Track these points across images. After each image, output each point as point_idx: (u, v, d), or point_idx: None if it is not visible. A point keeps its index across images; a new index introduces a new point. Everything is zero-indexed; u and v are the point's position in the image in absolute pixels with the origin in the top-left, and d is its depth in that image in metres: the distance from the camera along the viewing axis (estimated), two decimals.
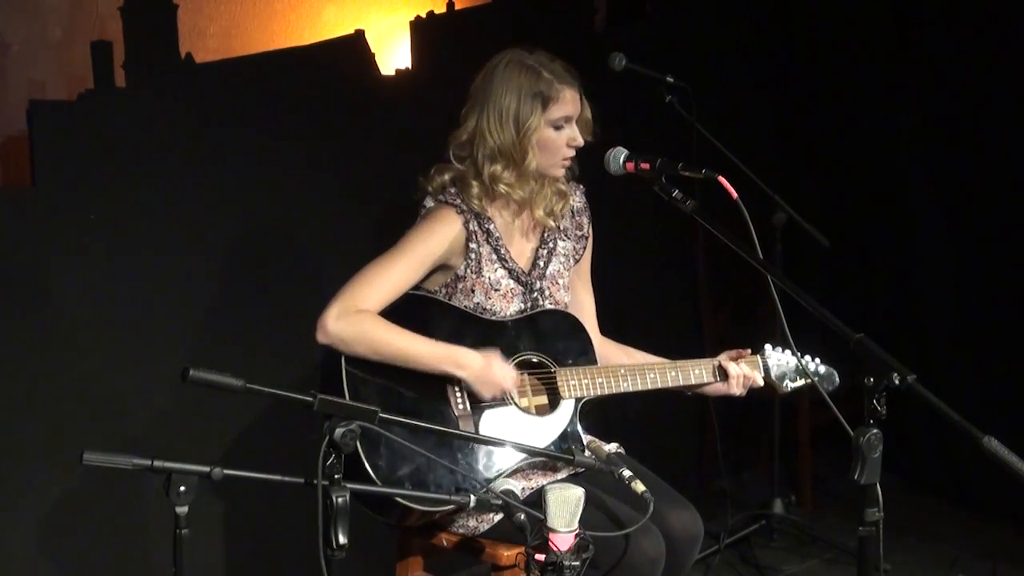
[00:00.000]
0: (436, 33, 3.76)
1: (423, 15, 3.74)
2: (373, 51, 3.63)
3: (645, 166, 2.53)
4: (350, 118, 3.58)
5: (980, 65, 4.33)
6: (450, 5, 3.81)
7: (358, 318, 2.42)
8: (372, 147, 3.63)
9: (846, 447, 2.01)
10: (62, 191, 3.05)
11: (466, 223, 2.58)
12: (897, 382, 1.98)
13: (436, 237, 2.56)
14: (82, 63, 3.10)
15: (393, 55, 3.71)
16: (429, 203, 2.64)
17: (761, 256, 2.36)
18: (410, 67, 3.72)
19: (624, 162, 2.57)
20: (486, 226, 2.61)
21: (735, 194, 2.39)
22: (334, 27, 3.56)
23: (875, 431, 1.99)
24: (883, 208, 4.74)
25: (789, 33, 5.01)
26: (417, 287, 2.57)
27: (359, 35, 3.59)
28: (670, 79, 3.44)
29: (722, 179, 2.43)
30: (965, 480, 4.38)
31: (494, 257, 2.61)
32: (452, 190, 2.62)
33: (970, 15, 4.35)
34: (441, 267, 2.59)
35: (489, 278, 2.60)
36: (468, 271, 2.59)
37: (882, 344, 2.03)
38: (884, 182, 4.72)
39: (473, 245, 2.58)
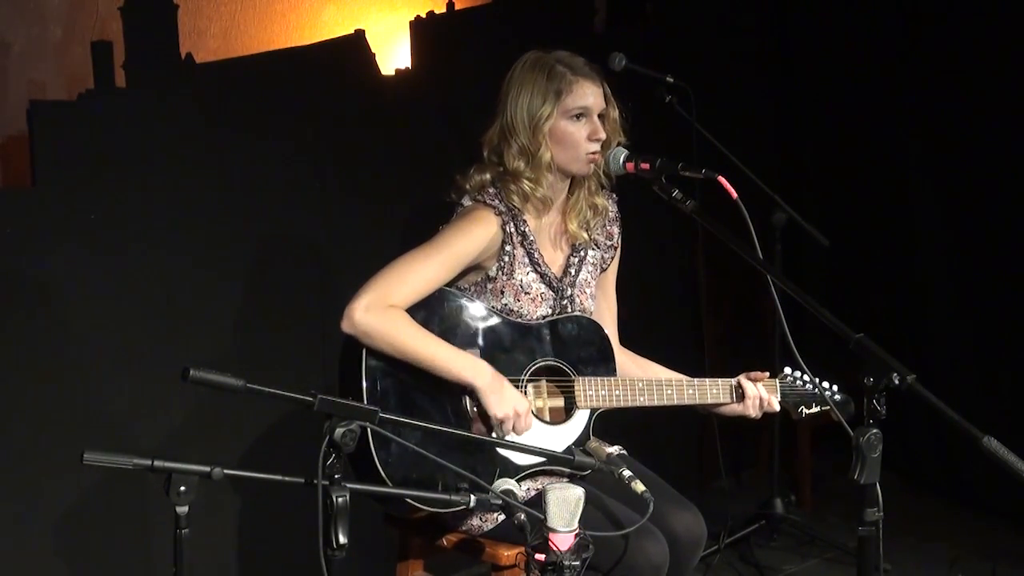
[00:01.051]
0: (436, 33, 3.76)
1: (423, 15, 3.74)
2: (373, 51, 3.62)
3: (645, 166, 2.53)
4: (350, 118, 3.58)
5: (981, 64, 4.33)
6: (450, 5, 3.81)
7: (386, 314, 2.39)
8: (372, 147, 3.63)
9: (846, 447, 2.01)
10: (62, 191, 3.05)
11: (503, 225, 2.57)
12: (897, 382, 1.98)
13: (472, 238, 2.53)
14: (82, 63, 3.10)
15: (393, 55, 3.71)
16: (467, 202, 2.62)
17: (761, 256, 2.36)
18: (410, 67, 3.72)
19: (624, 162, 2.57)
20: (522, 228, 2.59)
21: (735, 194, 2.40)
22: (334, 27, 3.56)
23: (875, 431, 1.99)
24: (883, 208, 4.74)
25: (789, 33, 5.02)
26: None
27: (359, 35, 3.59)
28: (670, 79, 3.45)
29: (722, 179, 2.43)
30: (965, 480, 4.38)
31: (526, 260, 2.60)
32: (491, 190, 2.60)
33: (971, 13, 4.35)
34: (474, 267, 2.58)
35: (520, 281, 2.59)
36: (500, 273, 2.58)
37: (882, 344, 2.03)
38: (884, 182, 4.72)
39: (508, 247, 2.57)
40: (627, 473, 2.38)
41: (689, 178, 2.50)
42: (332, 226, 3.56)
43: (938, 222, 4.58)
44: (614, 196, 2.77)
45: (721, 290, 4.53)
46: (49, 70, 3.07)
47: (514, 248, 2.58)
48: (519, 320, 2.59)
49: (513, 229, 2.58)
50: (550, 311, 2.63)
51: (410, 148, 3.68)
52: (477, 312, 2.55)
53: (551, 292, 2.63)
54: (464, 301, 2.55)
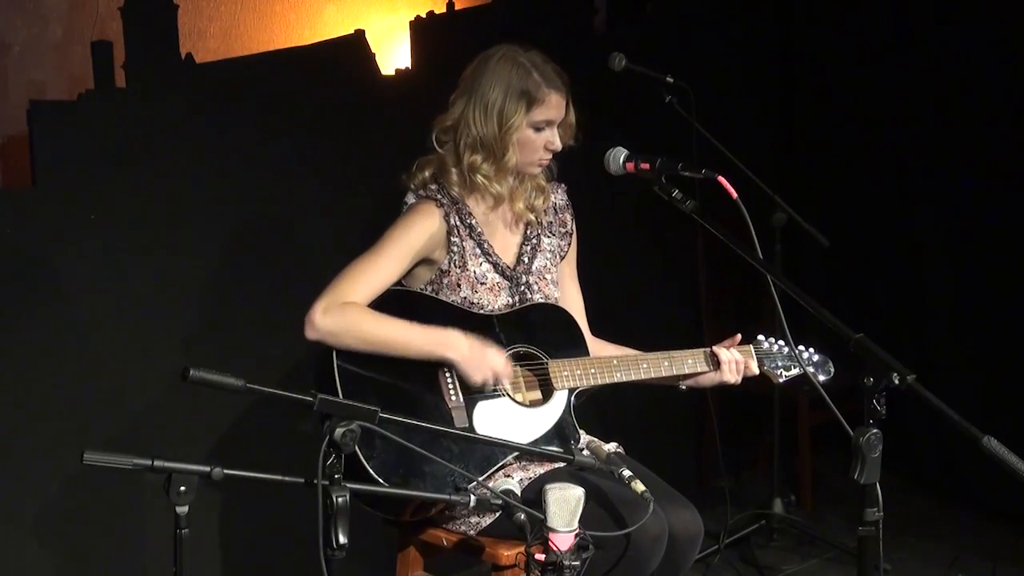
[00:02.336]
0: (436, 33, 3.76)
1: (423, 15, 3.74)
2: (373, 51, 3.63)
3: (645, 166, 2.53)
4: (350, 118, 3.58)
5: (980, 64, 4.33)
6: (450, 5, 3.81)
7: (344, 309, 2.43)
8: (372, 147, 3.63)
9: (846, 447, 2.01)
10: (62, 191, 3.05)
11: (446, 216, 2.60)
12: (897, 382, 1.98)
13: (416, 230, 2.58)
14: (82, 63, 3.10)
15: (393, 55, 3.71)
16: (410, 199, 2.67)
17: (761, 256, 2.36)
18: (410, 67, 3.73)
19: (624, 162, 2.58)
20: (467, 220, 2.63)
21: (735, 194, 2.39)
22: (334, 27, 3.56)
23: (875, 431, 1.99)
24: (883, 208, 4.74)
25: (789, 33, 5.02)
26: (403, 284, 2.58)
27: (359, 35, 3.59)
28: (670, 79, 3.44)
29: (722, 179, 2.43)
30: (965, 480, 4.38)
31: (478, 251, 2.62)
32: (433, 186, 2.65)
33: (972, 13, 4.35)
34: (425, 262, 2.61)
35: (474, 272, 2.61)
36: (452, 265, 2.60)
37: (882, 344, 2.03)
38: (884, 182, 4.72)
39: (455, 239, 2.60)
40: (627, 473, 2.38)
41: (689, 178, 2.50)
42: (332, 226, 3.56)
43: (938, 222, 4.57)
44: (563, 186, 2.80)
45: (721, 290, 4.53)
46: (49, 70, 3.08)
47: (462, 240, 2.61)
48: (481, 312, 2.60)
49: (457, 221, 2.61)
50: (510, 300, 2.65)
51: (410, 148, 3.67)
52: (438, 308, 2.57)
53: (506, 281, 2.65)
54: (424, 298, 2.59)
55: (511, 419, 2.54)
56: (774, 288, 2.34)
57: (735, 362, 2.73)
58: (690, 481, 4.49)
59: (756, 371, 2.78)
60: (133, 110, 3.16)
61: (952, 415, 2.00)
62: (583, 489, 2.10)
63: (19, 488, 3.01)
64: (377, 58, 3.64)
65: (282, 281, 3.47)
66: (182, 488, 1.81)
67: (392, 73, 3.70)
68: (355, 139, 3.59)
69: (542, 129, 2.60)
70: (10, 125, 3.00)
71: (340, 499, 1.88)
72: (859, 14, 4.76)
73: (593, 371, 2.62)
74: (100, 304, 3.13)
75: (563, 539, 2.06)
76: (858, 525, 2.04)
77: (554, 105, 2.60)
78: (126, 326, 3.16)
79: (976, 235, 4.42)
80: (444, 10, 3.80)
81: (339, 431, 1.89)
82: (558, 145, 2.62)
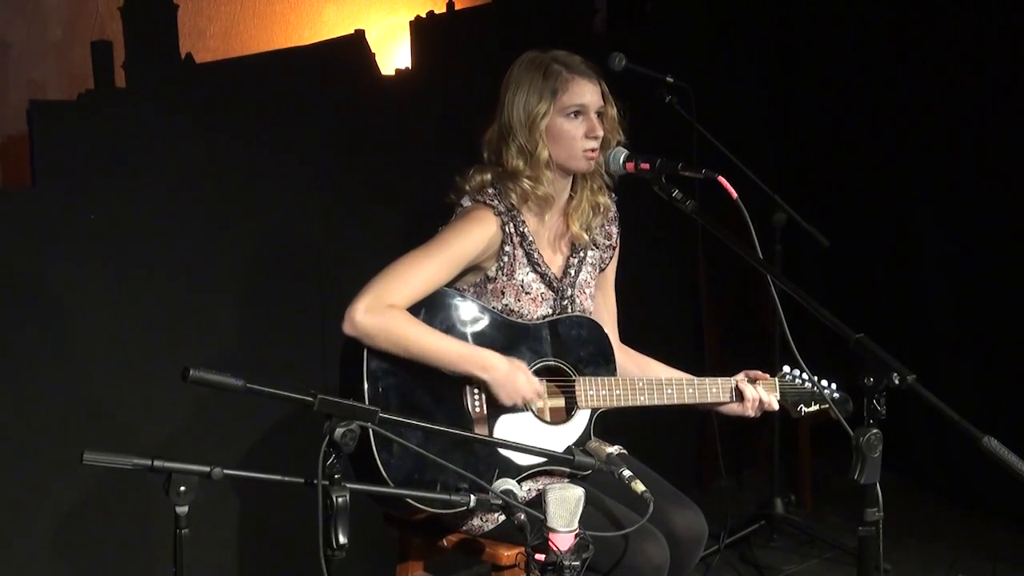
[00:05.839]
0: (436, 33, 3.76)
1: (423, 15, 3.74)
2: (373, 51, 3.63)
3: (645, 166, 2.53)
4: (350, 118, 3.58)
5: (980, 64, 4.34)
6: (450, 5, 3.81)
7: (387, 314, 2.40)
8: (372, 147, 3.63)
9: (846, 447, 2.01)
10: (62, 191, 3.05)
11: (502, 225, 2.57)
12: (897, 382, 1.98)
13: (472, 238, 2.54)
14: (82, 63, 3.10)
15: (393, 55, 3.71)
16: (466, 202, 2.62)
17: (761, 256, 2.36)
18: (410, 67, 3.73)
19: (624, 162, 2.58)
20: (521, 229, 2.59)
21: (735, 194, 2.40)
22: (334, 27, 3.56)
23: (875, 431, 1.99)
24: (883, 208, 4.74)
25: (789, 33, 5.02)
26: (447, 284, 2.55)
27: (359, 35, 3.59)
28: (670, 79, 3.44)
29: (722, 179, 2.43)
30: (965, 480, 4.38)
31: (526, 260, 2.60)
32: (491, 191, 2.60)
33: (972, 15, 4.35)
34: (473, 268, 2.58)
35: (521, 281, 2.60)
36: (500, 273, 2.58)
37: (882, 344, 2.03)
38: (884, 182, 4.72)
39: (508, 248, 2.58)
40: (627, 473, 2.38)
41: (689, 178, 2.50)
42: (332, 226, 3.56)
43: (938, 222, 4.58)
44: (614, 196, 2.77)
45: (721, 290, 4.53)
46: (49, 70, 3.08)
47: (514, 248, 2.58)
48: (519, 320, 2.59)
49: (512, 229, 2.58)
50: (550, 311, 2.64)
51: (410, 148, 3.68)
52: (478, 313, 2.55)
53: (551, 292, 2.64)
54: (465, 302, 2.55)
55: (532, 435, 2.53)
56: (774, 288, 2.34)
57: (759, 400, 2.72)
58: (690, 481, 4.49)
59: (776, 408, 2.77)
60: (133, 110, 3.16)
61: (952, 415, 2.00)
62: (583, 489, 2.10)
63: (20, 488, 3.01)
64: (377, 58, 3.64)
65: (282, 280, 3.47)
66: (182, 488, 1.81)
67: (392, 73, 3.70)
68: (355, 139, 3.59)
69: (578, 116, 2.57)
70: (10, 125, 3.00)
71: (340, 499, 1.87)
72: (859, 14, 4.76)
73: (618, 392, 2.61)
74: (100, 304, 3.13)
75: (563, 539, 2.06)
76: (858, 525, 2.04)
77: (586, 90, 2.57)
78: (126, 326, 3.16)
79: (976, 235, 4.42)
80: (444, 10, 3.80)
81: (339, 431, 1.89)
82: (600, 131, 2.57)
